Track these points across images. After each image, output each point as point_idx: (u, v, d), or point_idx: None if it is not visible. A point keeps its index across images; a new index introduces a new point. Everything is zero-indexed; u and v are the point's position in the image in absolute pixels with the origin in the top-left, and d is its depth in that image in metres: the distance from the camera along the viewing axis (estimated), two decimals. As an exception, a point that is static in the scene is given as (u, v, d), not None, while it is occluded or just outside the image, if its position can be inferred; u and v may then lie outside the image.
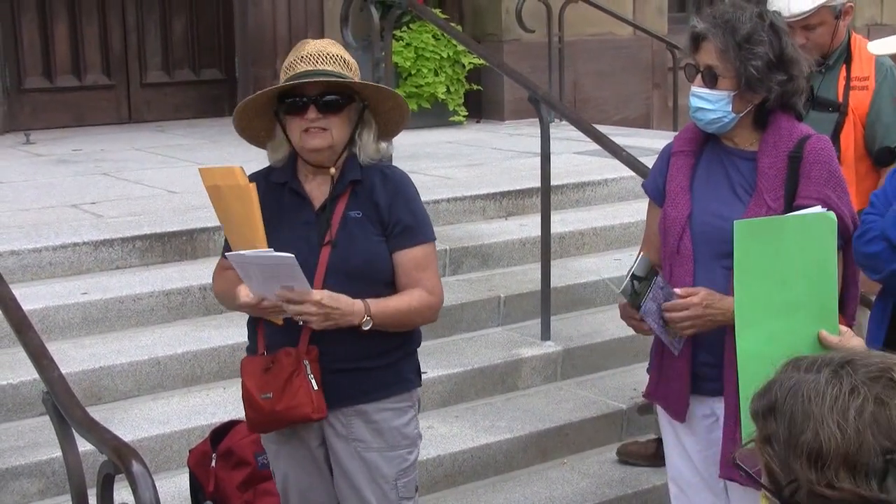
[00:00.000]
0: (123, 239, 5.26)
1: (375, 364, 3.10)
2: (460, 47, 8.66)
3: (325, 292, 2.95)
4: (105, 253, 5.20)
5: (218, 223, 5.41)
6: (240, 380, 4.60)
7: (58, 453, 3.74)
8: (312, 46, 3.11)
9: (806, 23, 4.20)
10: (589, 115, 8.27)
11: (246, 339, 4.76)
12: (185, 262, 5.34)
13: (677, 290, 3.04)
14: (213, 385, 4.67)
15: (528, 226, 6.01)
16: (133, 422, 4.31)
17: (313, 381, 3.03)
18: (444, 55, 8.81)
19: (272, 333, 3.12)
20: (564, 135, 7.47)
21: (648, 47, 10.07)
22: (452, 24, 7.99)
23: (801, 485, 1.49)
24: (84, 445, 3.01)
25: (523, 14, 8.90)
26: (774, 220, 2.88)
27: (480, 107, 9.46)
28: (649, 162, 4.88)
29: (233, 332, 4.85)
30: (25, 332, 3.20)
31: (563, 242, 5.99)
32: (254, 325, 3.22)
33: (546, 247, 5.29)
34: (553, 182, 5.43)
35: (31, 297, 4.57)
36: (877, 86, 4.26)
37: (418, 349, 3.27)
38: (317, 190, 3.14)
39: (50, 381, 2.98)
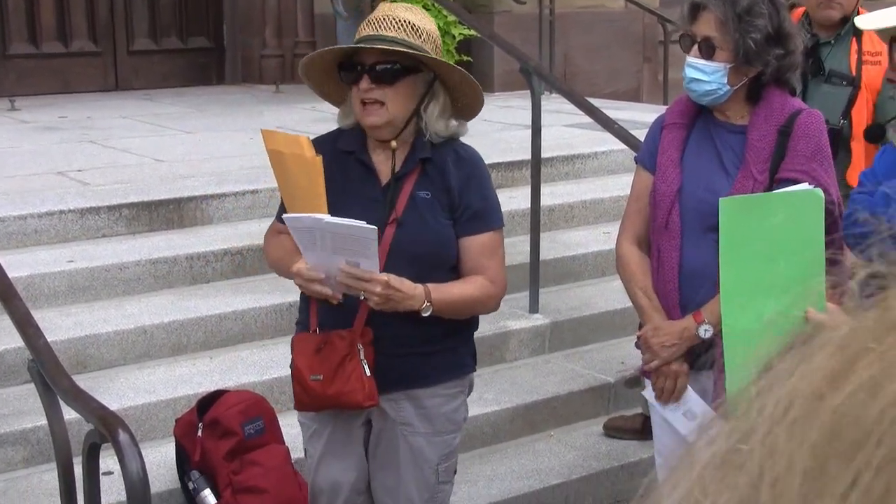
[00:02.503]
0: (110, 207, 5.22)
1: (431, 349, 2.98)
2: (451, 18, 8.60)
3: (391, 275, 2.81)
4: (91, 221, 5.16)
5: (205, 193, 5.47)
6: (226, 349, 4.67)
7: (42, 421, 3.72)
8: (382, 10, 2.94)
9: None
10: (579, 87, 8.23)
11: (230, 309, 4.81)
12: (173, 230, 5.31)
13: None
14: (199, 354, 4.65)
15: (517, 198, 5.98)
16: (119, 391, 4.29)
17: (366, 367, 2.90)
18: (435, 26, 8.75)
19: (326, 311, 2.97)
20: (555, 107, 7.44)
21: (640, 20, 10.03)
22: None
23: None
24: (69, 414, 2.99)
25: (514, -15, 8.85)
26: (761, 196, 2.85)
27: (470, 78, 9.40)
28: (640, 135, 4.88)
29: (219, 301, 4.84)
30: (11, 299, 3.17)
31: (552, 215, 5.97)
32: (307, 299, 3.05)
33: (535, 219, 5.27)
34: (543, 155, 5.40)
35: (16, 265, 4.53)
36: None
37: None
38: (385, 164, 2.98)
39: (36, 350, 2.95)
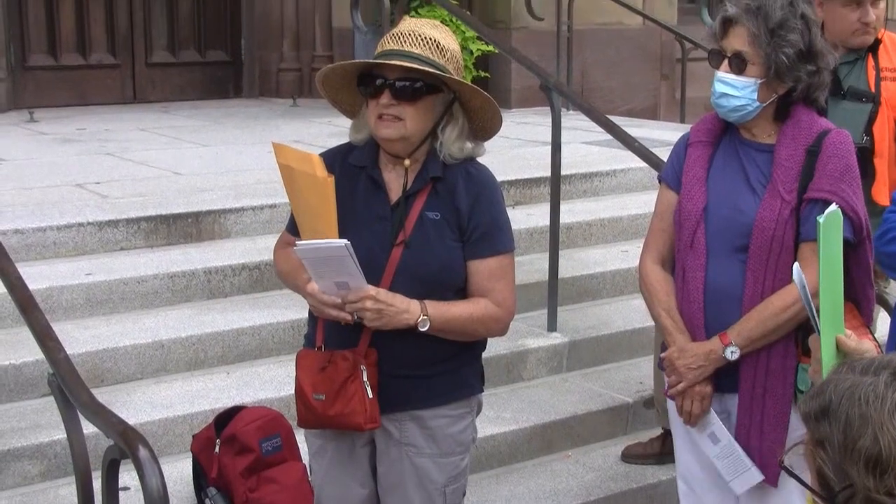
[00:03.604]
0: (128, 220, 5.21)
1: (436, 371, 2.93)
2: (469, 34, 8.60)
3: (379, 289, 2.78)
4: (110, 234, 5.16)
5: (223, 206, 5.46)
6: (243, 365, 4.64)
7: (60, 435, 3.71)
8: (407, 24, 2.88)
9: None
10: (596, 104, 8.22)
11: (247, 324, 4.79)
12: (191, 244, 5.30)
13: None
14: (216, 370, 4.63)
15: (535, 215, 5.96)
16: (136, 405, 4.27)
17: (368, 389, 2.85)
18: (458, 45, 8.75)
19: (332, 329, 2.92)
20: (572, 124, 7.42)
21: (657, 38, 10.02)
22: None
23: (856, 491, 1.44)
24: (87, 428, 2.97)
25: (533, 2, 8.85)
26: (828, 216, 2.73)
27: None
28: (657, 153, 4.86)
29: (237, 316, 4.82)
30: (31, 311, 3.15)
31: (570, 233, 5.95)
32: (314, 315, 2.99)
33: (554, 237, 5.24)
34: (561, 172, 5.38)
35: (35, 277, 4.52)
36: None
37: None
38: (395, 181, 2.92)
39: (56, 363, 2.93)
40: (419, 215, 2.88)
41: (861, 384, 1.49)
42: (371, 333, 2.87)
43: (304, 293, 2.88)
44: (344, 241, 2.68)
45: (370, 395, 2.86)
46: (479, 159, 3.02)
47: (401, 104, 2.81)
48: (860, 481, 1.44)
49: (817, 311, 2.36)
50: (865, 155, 4.11)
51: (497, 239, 2.93)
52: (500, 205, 2.96)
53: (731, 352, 3.04)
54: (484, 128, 2.97)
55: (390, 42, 2.85)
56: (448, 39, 2.89)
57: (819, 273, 2.41)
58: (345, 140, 3.07)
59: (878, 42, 4.24)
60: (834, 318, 2.60)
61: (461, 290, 2.94)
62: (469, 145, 2.94)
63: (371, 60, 2.85)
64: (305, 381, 2.93)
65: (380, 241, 2.85)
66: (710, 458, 3.16)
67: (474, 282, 2.92)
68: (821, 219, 2.46)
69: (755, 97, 3.03)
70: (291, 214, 3.03)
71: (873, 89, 4.19)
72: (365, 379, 2.86)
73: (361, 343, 2.89)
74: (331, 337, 2.95)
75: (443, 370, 2.95)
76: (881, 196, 4.11)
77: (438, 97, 2.86)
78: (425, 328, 2.82)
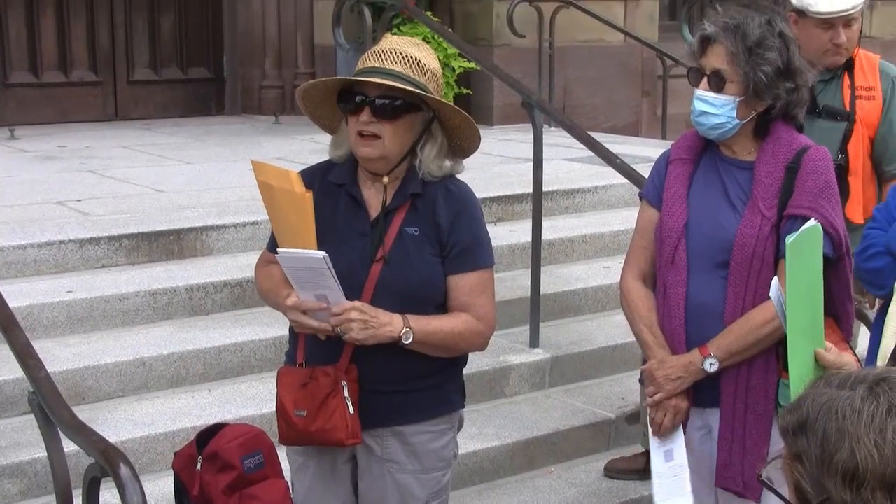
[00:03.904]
0: (110, 237, 5.20)
1: (417, 387, 2.94)
2: (451, 51, 8.62)
3: (362, 302, 2.80)
4: (91, 251, 5.14)
5: (205, 224, 5.45)
6: (225, 382, 4.63)
7: (40, 454, 3.69)
8: (389, 42, 2.90)
9: (850, 17, 4.15)
10: (578, 121, 8.22)
11: (229, 341, 4.78)
12: (172, 261, 5.29)
13: None
14: (198, 387, 4.62)
15: (517, 231, 5.98)
16: (117, 423, 4.26)
17: (350, 405, 2.86)
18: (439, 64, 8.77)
19: (313, 345, 2.94)
20: (554, 141, 7.44)
21: (639, 55, 10.06)
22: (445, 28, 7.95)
23: None
24: (68, 446, 2.96)
25: (514, 19, 8.87)
26: (806, 231, 2.75)
27: (470, 111, 9.28)
28: (639, 169, 4.88)
29: (219, 333, 4.81)
30: (12, 330, 3.14)
31: (552, 249, 5.96)
32: (295, 332, 3.01)
33: (536, 253, 5.25)
34: (543, 188, 5.40)
35: (16, 295, 4.50)
36: (886, 98, 4.23)
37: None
38: (375, 198, 2.94)
39: (36, 381, 2.92)
40: (398, 231, 2.90)
41: (838, 398, 1.50)
42: (352, 349, 2.88)
43: (285, 308, 2.89)
44: (322, 253, 2.70)
45: (351, 411, 2.87)
46: (461, 175, 3.05)
47: (380, 122, 2.82)
48: (837, 494, 1.45)
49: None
50: (840, 173, 4.14)
51: (478, 255, 2.95)
52: (480, 221, 2.99)
53: (710, 364, 3.05)
54: (462, 147, 2.99)
55: (372, 59, 2.86)
56: (429, 58, 2.91)
57: (787, 290, 2.44)
58: (326, 157, 3.08)
59: (852, 61, 4.28)
60: (814, 331, 2.62)
61: (441, 306, 2.95)
62: (448, 163, 2.97)
63: (352, 77, 2.86)
64: (287, 397, 2.94)
65: (359, 256, 2.86)
66: (653, 471, 3.17)
67: (455, 297, 2.93)
68: (790, 238, 2.49)
69: (734, 115, 3.05)
70: (272, 233, 3.04)
71: (848, 108, 4.22)
72: (346, 395, 2.87)
73: (342, 359, 2.90)
74: (312, 353, 2.96)
75: (424, 386, 2.96)
76: (855, 214, 4.14)
77: (418, 115, 2.88)
78: (408, 341, 2.83)
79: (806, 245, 2.65)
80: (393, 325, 2.82)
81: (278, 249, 2.81)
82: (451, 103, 2.96)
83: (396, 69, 2.82)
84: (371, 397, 2.91)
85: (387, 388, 2.92)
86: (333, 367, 2.89)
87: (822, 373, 2.51)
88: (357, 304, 2.79)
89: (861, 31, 4.27)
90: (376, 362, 2.88)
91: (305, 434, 2.93)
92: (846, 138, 4.20)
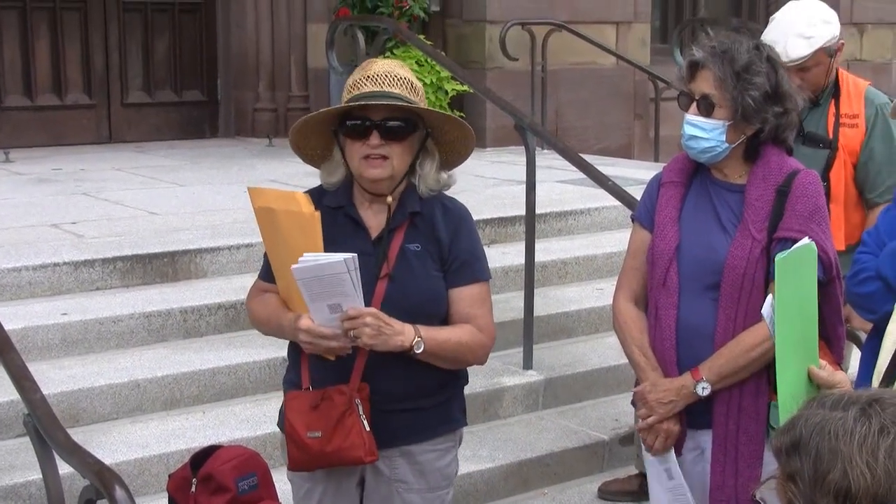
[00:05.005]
0: (104, 260, 5.22)
1: (426, 404, 2.98)
2: (444, 73, 8.67)
3: (377, 310, 2.84)
4: (85, 273, 5.15)
5: (199, 246, 5.46)
6: (219, 404, 4.63)
7: (34, 476, 3.69)
8: (380, 66, 2.97)
9: (802, 65, 4.19)
10: (570, 143, 8.28)
11: (223, 363, 4.79)
12: (166, 284, 5.30)
13: None
14: (192, 409, 4.62)
15: (510, 254, 6.00)
16: (111, 445, 4.26)
17: (365, 422, 2.88)
18: (428, 81, 8.81)
19: (318, 368, 2.95)
20: (547, 163, 7.48)
21: (631, 78, 10.11)
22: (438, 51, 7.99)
23: None
24: (63, 468, 2.97)
25: (507, 42, 8.92)
26: (799, 250, 2.78)
27: (462, 134, 9.43)
28: (631, 191, 4.91)
29: (213, 355, 4.82)
30: (7, 352, 3.15)
31: (545, 271, 5.98)
32: (297, 355, 3.03)
33: (529, 275, 5.28)
34: (536, 210, 5.43)
35: (10, 317, 4.52)
36: (869, 125, 4.25)
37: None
38: (373, 218, 3.00)
39: (32, 404, 2.93)
40: (400, 248, 2.96)
41: (831, 419, 1.52)
42: (362, 368, 2.90)
43: (296, 330, 2.88)
44: (347, 255, 2.72)
45: (367, 428, 2.89)
46: (455, 196, 3.13)
47: (389, 143, 2.90)
48: None
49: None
50: None
51: (476, 268, 3.03)
52: (476, 235, 3.10)
53: (703, 388, 3.07)
54: (449, 161, 3.09)
55: (367, 84, 2.92)
56: (414, 78, 3.02)
57: (776, 305, 2.47)
58: (319, 180, 3.11)
59: (839, 88, 4.30)
60: (807, 349, 2.65)
61: (443, 321, 3.00)
62: (444, 175, 3.07)
63: (360, 103, 2.90)
64: (298, 421, 2.93)
65: (364, 275, 2.88)
66: (654, 490, 3.21)
67: (457, 309, 2.99)
68: (780, 255, 2.52)
69: (724, 139, 3.08)
70: (265, 262, 3.07)
71: (831, 135, 4.25)
72: (361, 412, 2.89)
73: (353, 377, 2.92)
74: (318, 376, 2.97)
75: (431, 403, 3.01)
76: (836, 241, 4.16)
77: (416, 135, 2.96)
78: (420, 350, 2.87)
79: (799, 263, 2.68)
80: (405, 334, 2.86)
81: (299, 260, 2.78)
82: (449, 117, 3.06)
83: (395, 91, 2.91)
84: (380, 417, 2.92)
85: (396, 407, 2.95)
86: (347, 385, 2.91)
87: (815, 391, 2.53)
88: (373, 309, 2.83)
89: (832, 67, 4.26)
90: (386, 381, 2.91)
91: (321, 455, 2.92)
92: (828, 166, 4.22)
